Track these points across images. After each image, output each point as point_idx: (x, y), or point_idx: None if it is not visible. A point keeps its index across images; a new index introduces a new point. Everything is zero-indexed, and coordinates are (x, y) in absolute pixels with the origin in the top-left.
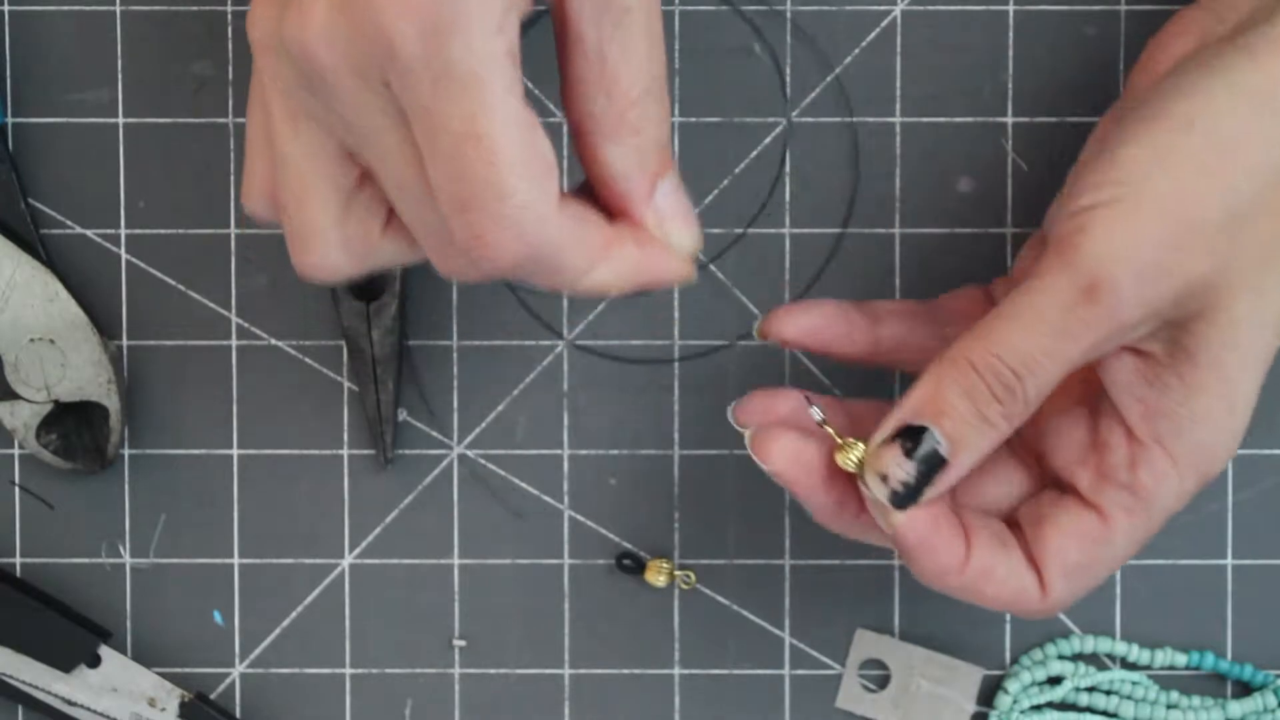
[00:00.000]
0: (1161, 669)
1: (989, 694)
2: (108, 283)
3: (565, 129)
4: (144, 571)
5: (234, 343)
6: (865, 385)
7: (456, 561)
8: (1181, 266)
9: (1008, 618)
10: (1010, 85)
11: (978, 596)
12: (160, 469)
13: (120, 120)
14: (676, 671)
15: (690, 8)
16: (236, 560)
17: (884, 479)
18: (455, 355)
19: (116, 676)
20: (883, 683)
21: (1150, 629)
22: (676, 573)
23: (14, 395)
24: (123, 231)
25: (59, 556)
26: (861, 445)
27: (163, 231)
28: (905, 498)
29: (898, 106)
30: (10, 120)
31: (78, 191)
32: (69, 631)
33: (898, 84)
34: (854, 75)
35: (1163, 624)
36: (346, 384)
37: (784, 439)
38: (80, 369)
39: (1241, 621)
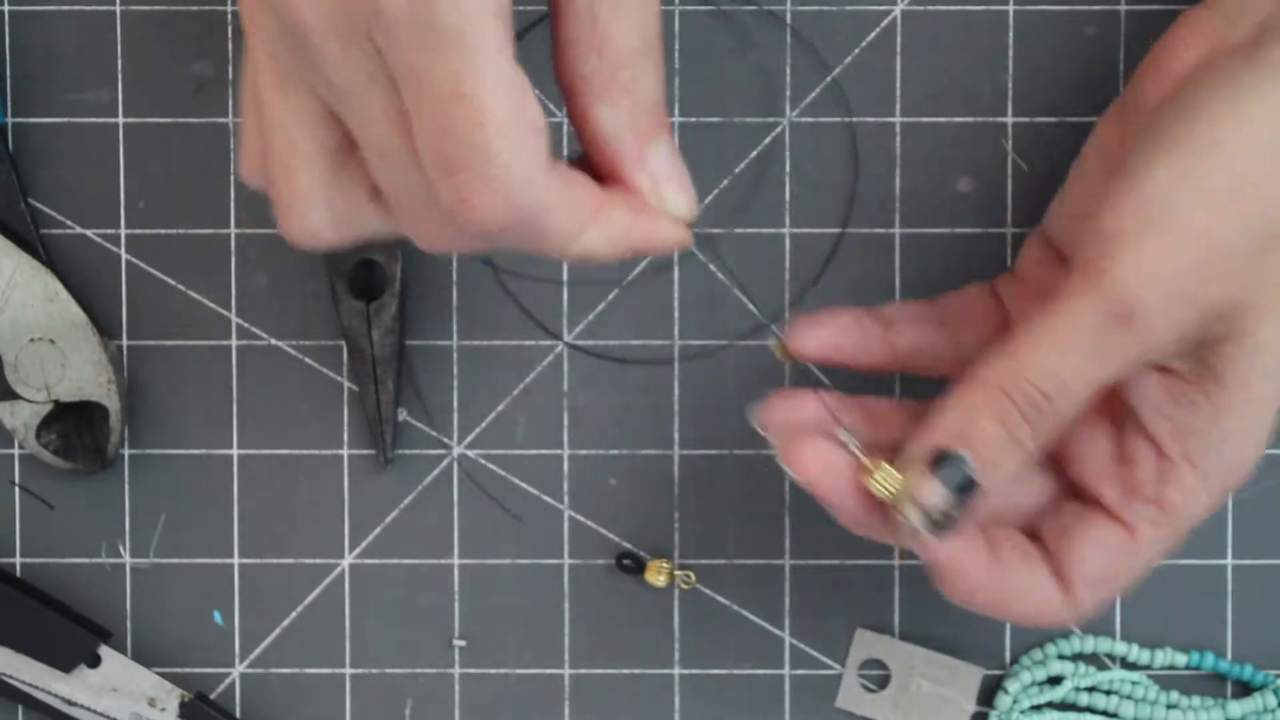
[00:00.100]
0: (1161, 669)
1: (989, 694)
2: (108, 283)
3: (566, 126)
4: (144, 571)
5: (234, 343)
6: (865, 381)
7: (456, 561)
8: (1210, 291)
9: None
10: (1010, 85)
11: (1004, 612)
12: (160, 469)
13: (120, 120)
14: (676, 671)
15: (690, 8)
16: (236, 560)
17: (920, 508)
18: (455, 355)
19: (116, 676)
20: (883, 683)
21: (1150, 629)
22: (676, 573)
23: (14, 395)
24: (123, 231)
25: (59, 556)
26: (889, 468)
27: (163, 231)
28: (943, 526)
29: (898, 106)
30: (10, 120)
31: (78, 191)
32: (69, 631)
33: (898, 84)
34: (854, 75)
35: (1163, 624)
36: (346, 384)
37: (815, 448)
38: (80, 369)
39: (1241, 621)
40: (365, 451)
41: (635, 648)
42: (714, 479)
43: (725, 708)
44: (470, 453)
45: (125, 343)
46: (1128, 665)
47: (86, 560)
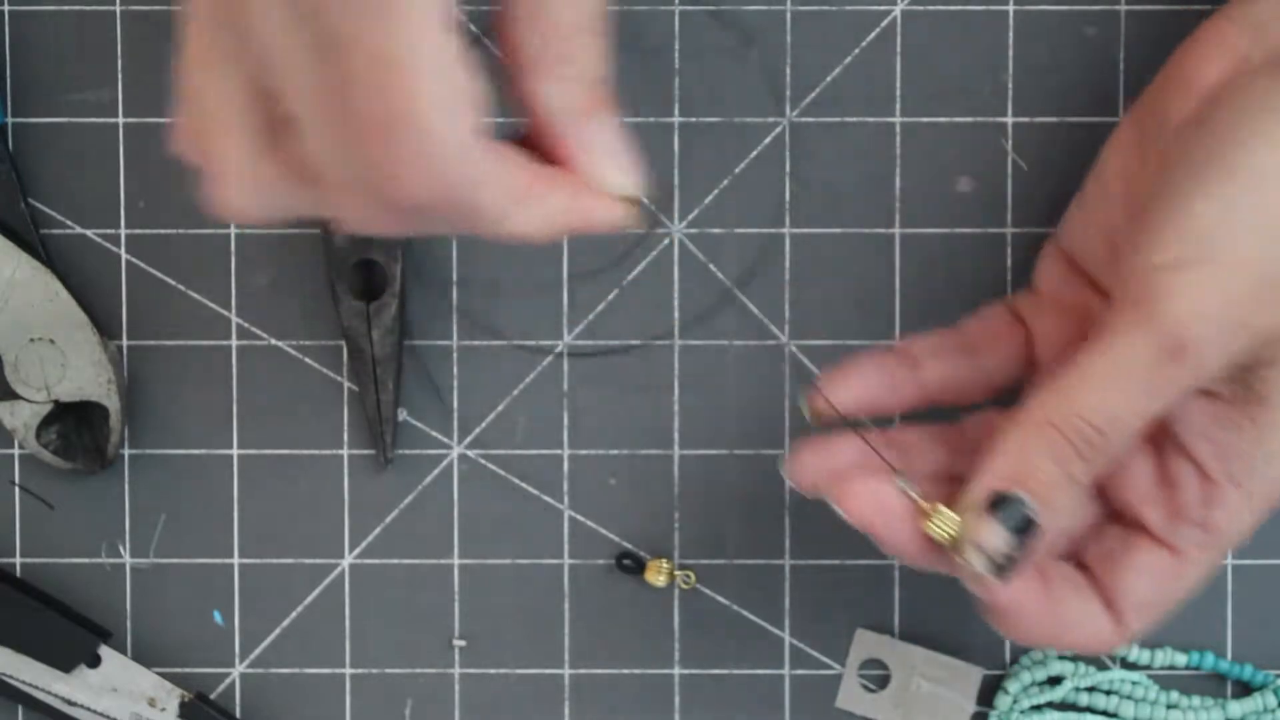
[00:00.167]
0: (1161, 669)
1: (989, 694)
2: (108, 283)
3: None
4: (144, 571)
5: (234, 343)
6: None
7: (456, 561)
8: (1260, 320)
9: None
10: (1010, 85)
11: (1057, 643)
12: (160, 469)
13: (120, 120)
14: (676, 671)
15: (690, 8)
16: (236, 560)
17: (981, 552)
18: (455, 355)
19: (116, 676)
20: (883, 683)
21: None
22: (676, 573)
23: (14, 395)
24: (123, 231)
25: (59, 556)
26: (947, 511)
27: (163, 231)
28: (1005, 568)
29: (898, 106)
30: (10, 120)
31: (78, 191)
32: (69, 631)
33: (898, 84)
34: (854, 75)
35: (1163, 624)
36: (346, 384)
37: (868, 490)
38: (80, 369)
39: (1241, 621)
40: (365, 451)
41: (635, 648)
42: (714, 479)
43: (725, 708)
44: (470, 452)
45: (125, 343)
46: (1127, 665)
47: (86, 560)
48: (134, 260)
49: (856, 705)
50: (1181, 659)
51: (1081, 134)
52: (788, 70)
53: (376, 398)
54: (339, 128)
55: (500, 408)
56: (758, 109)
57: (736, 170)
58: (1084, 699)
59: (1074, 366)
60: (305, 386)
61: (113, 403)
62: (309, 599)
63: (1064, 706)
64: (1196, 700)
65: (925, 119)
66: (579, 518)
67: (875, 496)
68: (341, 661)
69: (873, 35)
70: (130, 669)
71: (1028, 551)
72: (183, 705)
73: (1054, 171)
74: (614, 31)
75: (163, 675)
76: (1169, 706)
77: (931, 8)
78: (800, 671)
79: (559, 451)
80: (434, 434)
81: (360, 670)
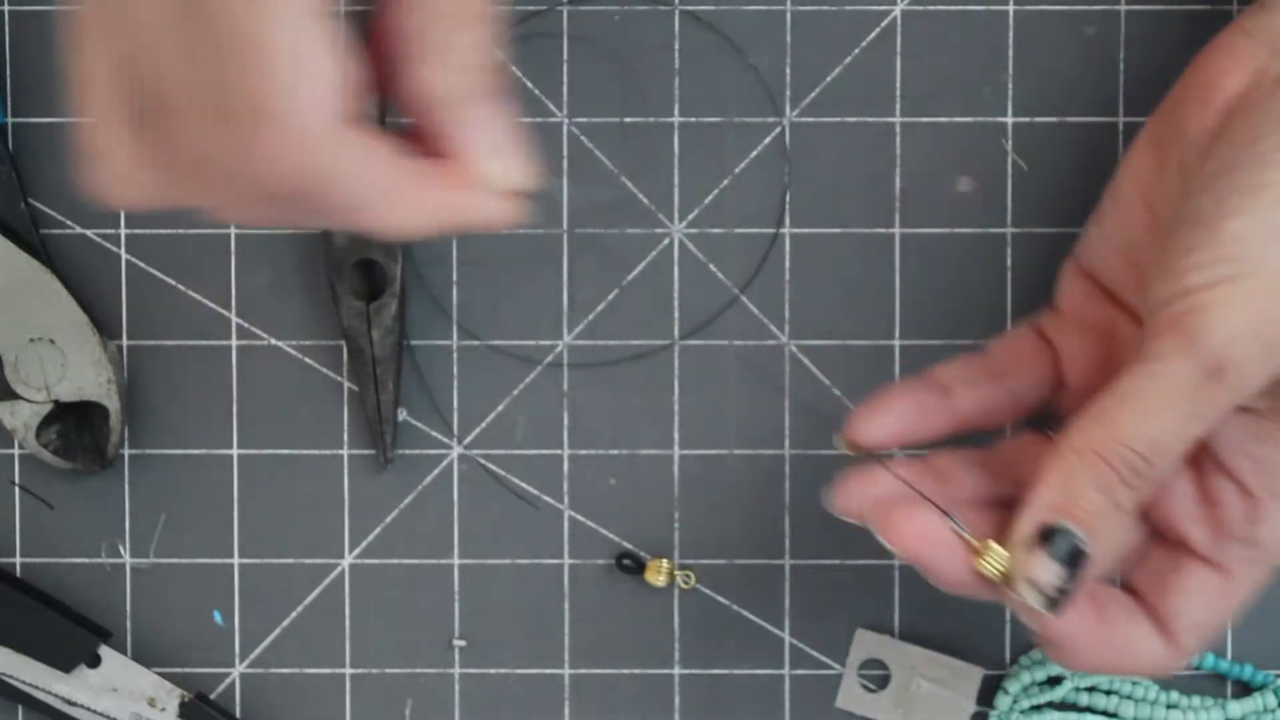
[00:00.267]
0: None
1: (989, 694)
2: (108, 283)
3: (565, 127)
4: (144, 571)
5: (234, 343)
6: (869, 388)
7: (456, 561)
8: None
9: (1007, 618)
10: (1010, 85)
11: (1113, 669)
12: (160, 469)
13: None
14: (676, 671)
15: (690, 7)
16: (236, 560)
17: (1033, 586)
18: (455, 355)
19: (116, 676)
20: (883, 683)
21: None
22: (676, 573)
23: (14, 395)
24: (123, 231)
25: (59, 556)
26: (997, 547)
27: (163, 231)
28: (1057, 601)
29: (898, 106)
30: (10, 120)
31: (78, 191)
32: (69, 631)
33: (898, 84)
34: (854, 75)
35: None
36: (346, 384)
37: (914, 522)
38: (80, 369)
39: (1241, 621)
40: (365, 451)
41: (635, 648)
42: (714, 479)
43: (725, 708)
44: (470, 453)
45: (125, 343)
46: None
47: (86, 560)
48: (134, 260)
49: (856, 705)
50: None
51: (1081, 134)
52: (788, 70)
53: (376, 398)
54: (205, 110)
55: (500, 408)
56: (758, 109)
57: (736, 170)
58: (1084, 699)
59: (1114, 392)
60: (305, 386)
61: (113, 403)
62: (309, 599)
63: (1064, 706)
64: (1196, 700)
65: (925, 119)
66: (579, 518)
67: (922, 530)
68: (341, 661)
69: (873, 35)
70: (130, 669)
71: (1078, 582)
72: (183, 705)
73: (1054, 171)
74: (614, 31)
75: (163, 675)
76: (1169, 706)
77: (931, 8)
78: (800, 671)
79: (559, 452)
80: (434, 434)
81: (360, 670)
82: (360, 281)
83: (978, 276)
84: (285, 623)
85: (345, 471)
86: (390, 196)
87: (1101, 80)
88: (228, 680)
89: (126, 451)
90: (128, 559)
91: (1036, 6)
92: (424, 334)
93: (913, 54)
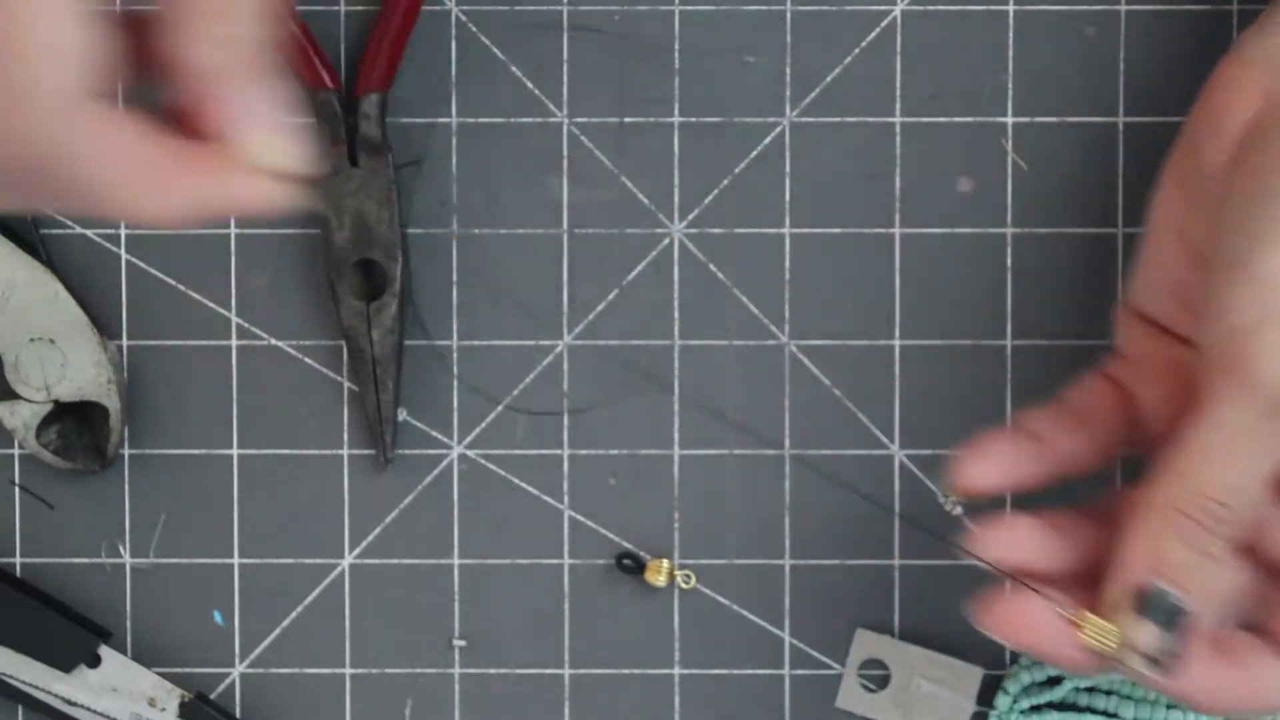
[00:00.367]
0: None
1: (989, 694)
2: (108, 283)
3: (565, 127)
4: (144, 571)
5: (234, 343)
6: (869, 388)
7: (456, 561)
8: None
9: None
10: (1010, 85)
11: (1259, 712)
12: (160, 469)
13: None
14: (676, 671)
15: (690, 8)
16: (236, 560)
17: (1139, 653)
18: (455, 355)
19: (116, 676)
20: (883, 683)
21: None
22: (676, 573)
23: (14, 395)
24: (123, 231)
25: (59, 556)
26: (1097, 619)
27: (163, 231)
28: (1167, 664)
29: (898, 106)
30: None
31: None
32: (69, 631)
33: (898, 84)
34: (854, 75)
35: None
36: (346, 384)
37: (1017, 611)
38: (80, 369)
39: None
40: (365, 451)
41: (635, 648)
42: (714, 479)
43: (725, 708)
44: (470, 452)
45: (125, 343)
46: None
47: (86, 560)
48: (134, 260)
49: (856, 705)
50: None
51: (1081, 134)
52: (788, 70)
53: (376, 398)
54: None
55: (500, 408)
56: (758, 109)
57: (736, 170)
58: (1084, 699)
59: (1181, 444)
60: (305, 386)
61: (113, 403)
62: (309, 599)
63: (1064, 706)
64: None
65: (925, 119)
66: (579, 518)
67: (1025, 617)
68: (341, 661)
69: (873, 35)
70: (130, 669)
71: (1185, 639)
72: (183, 705)
73: (1054, 171)
74: (614, 31)
75: (163, 675)
76: (1169, 706)
77: (931, 8)
78: (800, 671)
79: (559, 451)
80: (434, 434)
81: (360, 670)
82: (360, 281)
83: (978, 276)
84: (285, 623)
85: (345, 471)
86: (139, 178)
87: (1101, 80)
88: (228, 680)
89: (126, 451)
90: (128, 559)
91: (1036, 6)
92: (424, 333)
93: (913, 54)
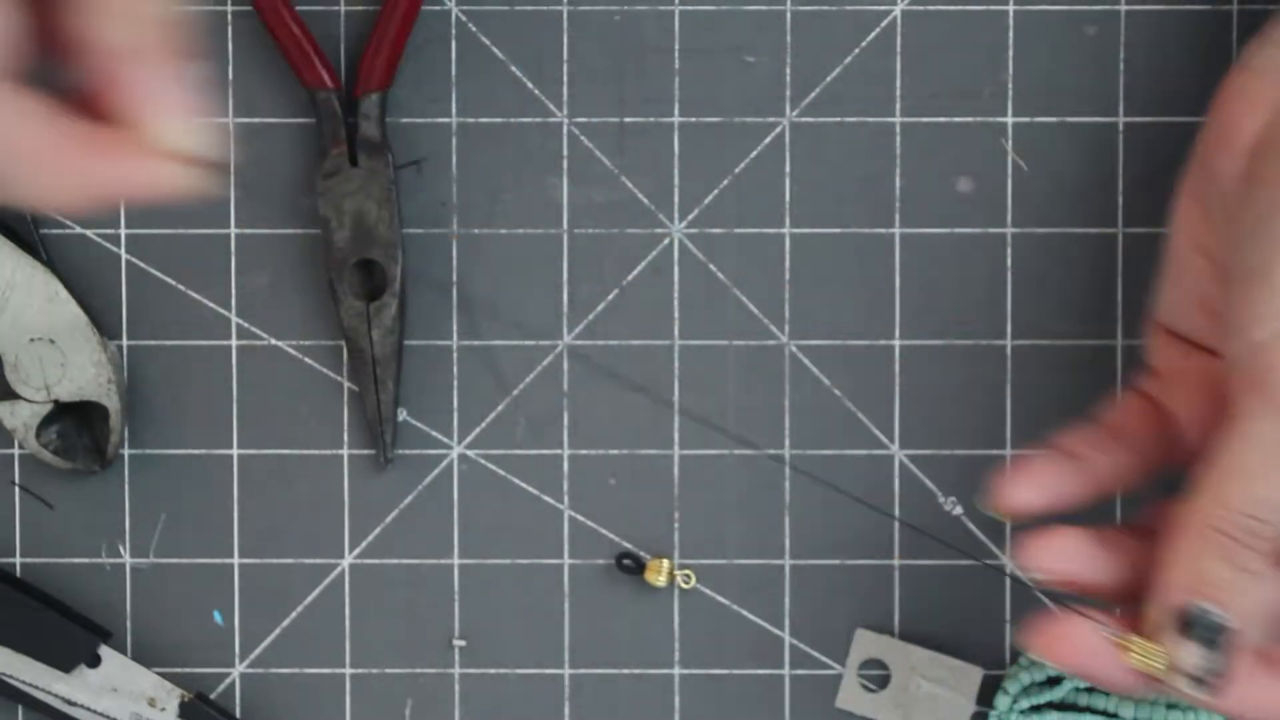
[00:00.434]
0: None
1: (989, 694)
2: (108, 283)
3: (565, 127)
4: (144, 571)
5: (234, 343)
6: (869, 388)
7: (456, 561)
8: None
9: (1008, 617)
10: (1010, 85)
11: None
12: (160, 469)
13: None
14: (676, 671)
15: (690, 8)
16: (236, 560)
17: (1184, 674)
18: (455, 355)
19: (116, 676)
20: (883, 683)
21: None
22: (676, 573)
23: (14, 395)
24: (123, 231)
25: (59, 556)
26: (1143, 641)
27: (163, 231)
28: (1217, 682)
29: (898, 106)
30: None
31: None
32: (69, 631)
33: (898, 84)
34: (854, 75)
35: None
36: (346, 384)
37: (1068, 635)
38: (80, 369)
39: None
40: (365, 451)
41: (635, 648)
42: (714, 479)
43: (725, 708)
44: (470, 452)
45: (125, 343)
46: None
47: (86, 560)
48: (134, 260)
49: (856, 705)
50: None
51: (1081, 134)
52: (788, 70)
53: (376, 398)
54: None
55: (500, 408)
56: (758, 109)
57: (736, 170)
58: (1084, 699)
59: (1214, 462)
60: (305, 386)
61: (113, 403)
62: (309, 599)
63: (1064, 706)
64: None
65: (925, 119)
66: (579, 518)
67: (1073, 641)
68: (341, 661)
69: (873, 35)
70: (130, 669)
71: (1230, 657)
72: (183, 705)
73: (1054, 171)
74: (614, 31)
75: (163, 675)
76: (1169, 706)
77: (931, 8)
78: (800, 671)
79: (559, 451)
80: (434, 434)
81: (360, 670)
82: (360, 281)
83: (978, 276)
84: (285, 623)
85: (345, 471)
86: (40, 161)
87: (1101, 80)
88: (228, 680)
89: (126, 451)
90: (128, 559)
91: (1036, 6)
92: (424, 334)
93: (913, 54)
